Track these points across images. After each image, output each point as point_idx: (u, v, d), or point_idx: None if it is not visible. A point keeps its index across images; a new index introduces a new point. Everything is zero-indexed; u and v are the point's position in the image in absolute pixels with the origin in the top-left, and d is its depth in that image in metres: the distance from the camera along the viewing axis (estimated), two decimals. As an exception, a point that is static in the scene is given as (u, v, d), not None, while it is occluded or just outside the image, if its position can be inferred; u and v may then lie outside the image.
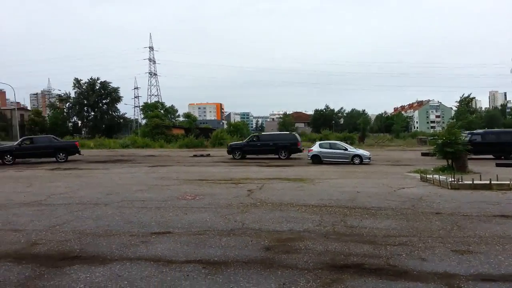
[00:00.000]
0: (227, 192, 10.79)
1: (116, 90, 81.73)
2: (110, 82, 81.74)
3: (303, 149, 25.88)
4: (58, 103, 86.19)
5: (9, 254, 5.34)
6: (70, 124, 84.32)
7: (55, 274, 4.60)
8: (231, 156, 26.39)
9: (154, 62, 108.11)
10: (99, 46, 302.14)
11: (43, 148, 24.27)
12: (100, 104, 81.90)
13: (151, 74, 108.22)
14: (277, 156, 25.67)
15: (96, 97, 79.73)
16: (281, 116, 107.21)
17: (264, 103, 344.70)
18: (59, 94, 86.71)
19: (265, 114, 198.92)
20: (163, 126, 56.96)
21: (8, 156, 23.42)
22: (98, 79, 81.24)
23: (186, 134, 51.75)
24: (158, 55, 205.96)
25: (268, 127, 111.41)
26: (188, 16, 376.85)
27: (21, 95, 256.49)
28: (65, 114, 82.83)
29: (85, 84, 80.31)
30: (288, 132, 32.45)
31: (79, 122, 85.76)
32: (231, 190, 11.29)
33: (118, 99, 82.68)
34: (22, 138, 27.60)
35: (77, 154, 25.37)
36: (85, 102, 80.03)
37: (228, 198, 9.70)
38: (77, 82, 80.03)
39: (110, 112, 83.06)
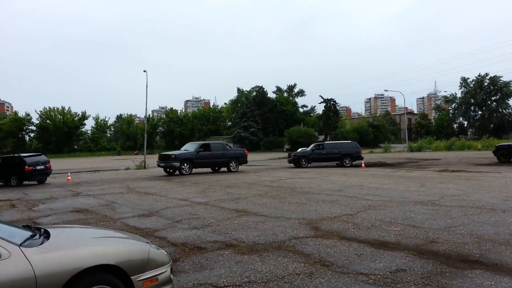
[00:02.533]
0: None
1: (507, 84, 73.04)
2: (501, 77, 74.05)
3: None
4: (443, 104, 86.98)
5: (410, 247, 5.82)
6: (455, 125, 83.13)
7: (456, 274, 4.60)
8: None
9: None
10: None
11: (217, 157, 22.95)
12: (489, 102, 75.72)
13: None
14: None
15: (484, 94, 74.30)
16: None
17: None
18: (445, 96, 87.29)
19: None
20: None
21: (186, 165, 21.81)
22: (486, 75, 75.53)
23: None
24: None
25: None
26: None
27: (409, 100, 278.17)
28: (450, 115, 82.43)
29: (473, 82, 76.63)
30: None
31: (465, 122, 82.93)
32: None
33: (510, 94, 73.54)
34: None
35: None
36: (472, 101, 76.40)
37: None
38: (464, 81, 77.69)
39: (500, 110, 75.16)
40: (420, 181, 15.13)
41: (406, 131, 74.58)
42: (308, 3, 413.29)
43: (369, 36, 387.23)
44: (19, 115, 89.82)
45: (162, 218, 8.89)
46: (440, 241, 6.12)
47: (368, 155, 44.91)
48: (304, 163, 26.24)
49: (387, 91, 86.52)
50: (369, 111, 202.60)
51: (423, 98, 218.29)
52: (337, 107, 76.53)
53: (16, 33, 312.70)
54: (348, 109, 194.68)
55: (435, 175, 17.71)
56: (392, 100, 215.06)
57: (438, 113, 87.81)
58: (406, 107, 67.48)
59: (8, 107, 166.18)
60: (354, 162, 26.11)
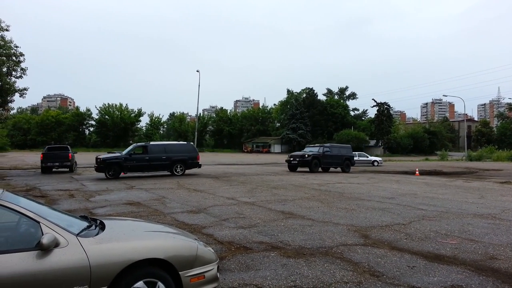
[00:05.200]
0: None
1: None
2: None
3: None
4: (507, 112, 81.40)
5: (467, 262, 5.44)
6: (520, 134, 77.40)
7: (521, 297, 4.23)
8: None
9: None
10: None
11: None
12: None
13: None
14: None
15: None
16: None
17: None
18: (509, 103, 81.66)
19: None
20: None
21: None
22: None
23: None
24: None
25: None
26: None
27: (470, 106, 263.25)
28: (514, 123, 76.97)
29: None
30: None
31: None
32: None
33: None
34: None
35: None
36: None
37: None
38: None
39: None
40: (480, 192, 14.22)
41: (466, 138, 70.56)
42: (361, 2, 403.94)
43: (426, 38, 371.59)
44: (80, 110, 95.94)
45: (209, 216, 9.02)
46: (501, 258, 5.67)
47: (423, 162, 43.02)
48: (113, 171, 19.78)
49: (445, 96, 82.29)
50: (425, 116, 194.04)
51: (484, 104, 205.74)
52: (391, 112, 74.04)
53: (78, 31, 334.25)
54: (402, 114, 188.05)
55: (496, 186, 16.57)
56: (451, 105, 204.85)
57: (500, 121, 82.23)
58: (466, 114, 63.92)
59: (70, 102, 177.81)
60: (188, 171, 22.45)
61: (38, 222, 3.10)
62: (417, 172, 24.12)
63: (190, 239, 3.97)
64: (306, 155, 25.47)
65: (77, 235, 3.21)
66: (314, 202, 11.17)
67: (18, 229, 3.30)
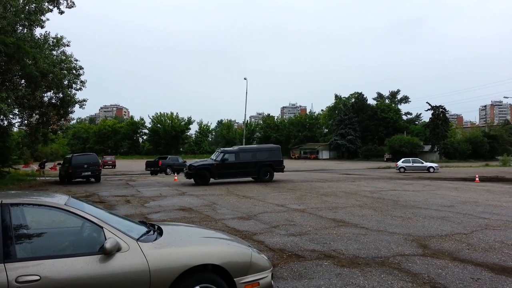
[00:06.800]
0: None
1: None
2: None
3: None
4: None
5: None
6: None
7: None
8: None
9: None
10: None
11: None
12: None
13: None
14: None
15: None
16: None
17: None
18: None
19: None
20: None
21: None
22: None
23: None
24: None
25: None
26: None
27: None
28: None
29: None
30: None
31: None
32: None
33: None
34: None
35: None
36: None
37: None
38: None
39: None
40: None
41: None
42: (414, 1, 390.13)
43: (483, 36, 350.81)
44: (134, 119, 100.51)
45: (259, 222, 9.02)
46: None
47: (483, 168, 40.44)
48: None
49: (506, 97, 76.75)
50: (484, 119, 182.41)
51: None
52: (447, 115, 70.44)
53: (132, 46, 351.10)
54: (459, 117, 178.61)
55: None
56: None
57: None
58: (531, 116, 59.16)
59: (125, 112, 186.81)
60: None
61: (101, 227, 3.24)
62: (477, 179, 22.68)
63: (244, 245, 3.97)
64: (192, 167, 20.71)
65: (137, 240, 3.32)
66: (367, 210, 10.82)
67: (82, 234, 3.46)
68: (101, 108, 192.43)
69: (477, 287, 4.62)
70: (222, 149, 22.94)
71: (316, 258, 5.94)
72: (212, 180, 20.53)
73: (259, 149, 22.48)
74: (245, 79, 36.47)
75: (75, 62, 24.88)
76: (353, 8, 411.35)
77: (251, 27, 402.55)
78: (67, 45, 24.47)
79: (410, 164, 35.74)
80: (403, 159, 37.37)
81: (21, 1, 19.51)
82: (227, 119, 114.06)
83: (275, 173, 21.98)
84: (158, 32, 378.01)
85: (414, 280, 4.88)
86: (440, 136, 66.61)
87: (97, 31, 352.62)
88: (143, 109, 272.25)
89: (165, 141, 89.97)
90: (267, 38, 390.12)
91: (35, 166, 33.92)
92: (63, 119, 27.62)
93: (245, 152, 21.49)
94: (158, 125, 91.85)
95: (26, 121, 25.83)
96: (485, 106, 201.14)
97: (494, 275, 5.06)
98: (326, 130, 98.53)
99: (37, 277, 2.81)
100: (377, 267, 5.42)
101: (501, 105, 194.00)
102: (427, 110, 70.21)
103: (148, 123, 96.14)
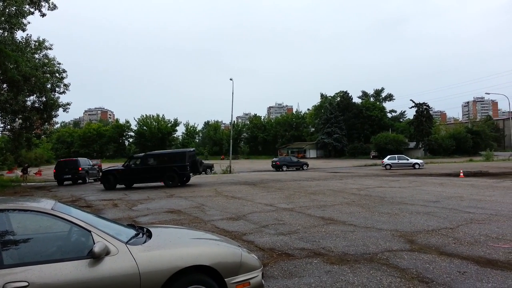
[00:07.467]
0: None
1: None
2: None
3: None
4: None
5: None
6: None
7: None
8: None
9: None
10: None
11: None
12: None
13: None
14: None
15: None
16: None
17: None
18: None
19: None
20: None
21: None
22: None
23: None
24: None
25: None
26: None
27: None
28: None
29: None
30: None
31: None
32: None
33: None
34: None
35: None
36: None
37: None
38: None
39: None
40: (533, 194, 13.41)
41: (512, 137, 66.92)
42: (397, 1, 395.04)
43: (465, 34, 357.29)
44: (120, 122, 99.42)
45: (249, 222, 9.03)
46: None
47: (467, 164, 41.19)
48: None
49: (488, 94, 78.26)
50: (467, 115, 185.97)
51: None
52: (431, 112, 71.52)
53: (115, 47, 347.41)
54: (443, 114, 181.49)
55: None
56: (494, 104, 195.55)
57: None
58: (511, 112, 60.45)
59: (110, 115, 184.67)
60: None
61: (89, 231, 3.21)
62: (461, 174, 23.11)
63: (234, 246, 3.98)
64: (102, 171, 21.88)
65: (126, 243, 3.29)
66: (355, 207, 10.93)
67: (70, 238, 3.42)
68: (86, 111, 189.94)
69: (463, 280, 4.71)
70: (132, 155, 23.82)
71: (305, 256, 5.98)
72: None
73: (165, 154, 22.21)
74: (231, 79, 36.43)
75: (58, 65, 24.56)
76: (338, 8, 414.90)
77: (236, 26, 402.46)
78: (50, 48, 24.15)
79: (396, 161, 36.22)
80: (388, 156, 37.87)
81: (1, 3, 19.15)
82: (213, 120, 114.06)
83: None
84: (141, 33, 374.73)
85: (402, 275, 4.95)
86: (425, 132, 67.66)
87: (79, 33, 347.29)
88: (128, 111, 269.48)
89: (152, 144, 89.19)
90: (253, 38, 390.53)
91: (19, 172, 33.31)
92: (46, 123, 27.22)
93: (151, 157, 21.46)
94: (144, 127, 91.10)
95: (9, 126, 25.39)
96: (468, 102, 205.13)
97: (480, 267, 5.17)
98: (312, 129, 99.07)
99: (26, 283, 2.78)
100: (366, 264, 5.48)
101: (483, 101, 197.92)
102: (411, 108, 71.28)
103: (134, 126, 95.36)
